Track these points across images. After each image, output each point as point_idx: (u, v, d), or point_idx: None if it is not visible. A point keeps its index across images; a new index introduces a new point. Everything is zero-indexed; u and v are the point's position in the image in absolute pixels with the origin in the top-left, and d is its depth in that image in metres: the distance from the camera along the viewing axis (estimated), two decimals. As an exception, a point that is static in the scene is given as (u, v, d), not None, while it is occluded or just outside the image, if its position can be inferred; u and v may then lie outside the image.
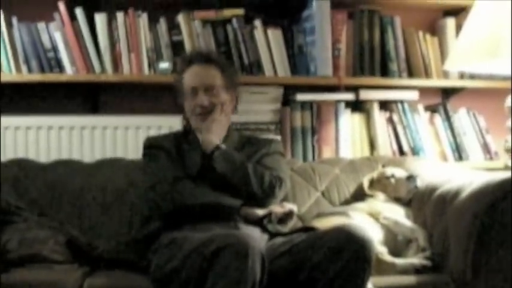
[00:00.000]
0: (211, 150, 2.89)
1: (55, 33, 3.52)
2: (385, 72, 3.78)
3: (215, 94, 2.98)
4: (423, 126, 3.79)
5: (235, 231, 2.46)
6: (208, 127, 2.94)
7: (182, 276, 2.44)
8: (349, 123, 3.74)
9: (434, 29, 3.94)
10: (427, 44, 3.83)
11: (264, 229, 2.82)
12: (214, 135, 2.94)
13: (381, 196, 3.21)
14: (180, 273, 2.46)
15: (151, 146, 3.03)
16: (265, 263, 2.37)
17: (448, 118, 3.83)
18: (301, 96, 3.68)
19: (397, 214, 3.10)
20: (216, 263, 2.31)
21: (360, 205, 3.19)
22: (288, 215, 2.94)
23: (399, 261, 2.84)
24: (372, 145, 3.75)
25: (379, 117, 3.75)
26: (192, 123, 3.05)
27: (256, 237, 2.48)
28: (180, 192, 2.82)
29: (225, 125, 3.04)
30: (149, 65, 3.59)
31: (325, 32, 3.66)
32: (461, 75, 3.83)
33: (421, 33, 3.83)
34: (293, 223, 3.00)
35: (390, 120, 3.77)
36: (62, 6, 3.50)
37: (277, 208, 2.91)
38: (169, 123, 3.51)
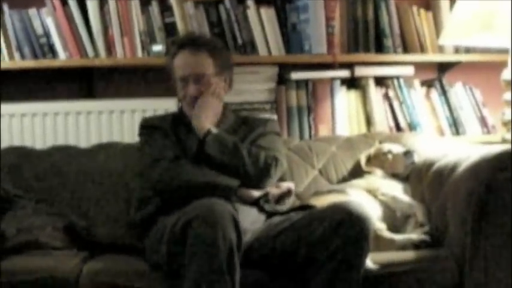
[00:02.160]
0: (204, 135, 2.87)
1: (47, 19, 3.50)
2: (379, 48, 3.77)
3: (205, 82, 2.96)
4: (419, 101, 3.78)
5: (203, 201, 2.44)
6: (198, 112, 2.92)
7: (169, 259, 2.49)
8: (345, 100, 3.73)
9: (429, 4, 3.91)
10: (422, 19, 3.81)
11: (262, 209, 2.82)
12: (204, 119, 2.92)
13: (378, 172, 3.21)
14: (167, 257, 2.50)
15: (148, 126, 3.03)
16: (238, 224, 2.38)
17: (444, 93, 3.82)
18: (296, 75, 3.67)
19: (395, 190, 3.10)
20: (188, 237, 2.34)
21: (357, 182, 3.19)
22: (286, 194, 2.95)
23: (398, 237, 2.84)
24: (369, 122, 3.75)
25: (375, 93, 3.74)
26: (184, 109, 3.04)
27: (223, 202, 2.46)
28: (179, 170, 2.82)
29: (217, 107, 3.01)
30: (142, 48, 3.57)
31: (318, 10, 3.65)
32: (457, 50, 3.81)
33: (415, 8, 3.80)
34: (291, 202, 3.00)
35: (386, 97, 3.76)
36: (53, -9, 3.49)
37: (273, 189, 2.91)
38: (165, 106, 3.50)
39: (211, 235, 2.30)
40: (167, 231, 2.49)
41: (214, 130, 2.90)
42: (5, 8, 3.49)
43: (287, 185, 2.97)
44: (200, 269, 2.31)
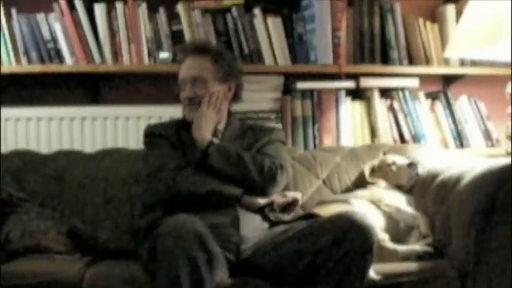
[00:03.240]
0: (205, 147, 2.87)
1: (54, 24, 3.52)
2: (385, 59, 3.78)
3: (202, 86, 2.96)
4: (424, 113, 3.79)
5: (173, 218, 2.44)
6: (198, 123, 2.92)
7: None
8: (350, 111, 3.74)
9: (435, 16, 3.93)
10: (428, 31, 3.82)
11: (265, 217, 2.82)
12: (205, 130, 2.91)
13: (382, 183, 3.21)
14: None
15: (152, 134, 3.03)
16: (204, 240, 2.37)
17: (449, 105, 3.82)
18: (301, 85, 3.68)
19: (399, 201, 3.10)
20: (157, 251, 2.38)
21: (361, 192, 3.19)
22: (292, 203, 2.94)
23: (401, 248, 2.84)
24: (373, 133, 3.75)
25: (380, 104, 3.75)
26: (183, 113, 3.04)
27: (190, 218, 2.45)
28: (181, 180, 2.81)
29: (217, 116, 2.99)
30: (149, 55, 3.58)
31: (325, 20, 3.66)
32: (462, 62, 3.83)
33: (421, 20, 3.82)
34: (295, 211, 3.00)
35: (391, 108, 3.77)
36: (61, -3, 3.50)
37: (279, 198, 2.91)
38: (170, 113, 3.50)
39: (172, 253, 2.31)
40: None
41: (216, 141, 2.90)
42: (13, 12, 3.50)
43: (293, 194, 2.97)
44: (163, 282, 2.33)
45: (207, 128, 2.92)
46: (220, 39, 3.61)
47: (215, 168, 2.83)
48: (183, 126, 3.04)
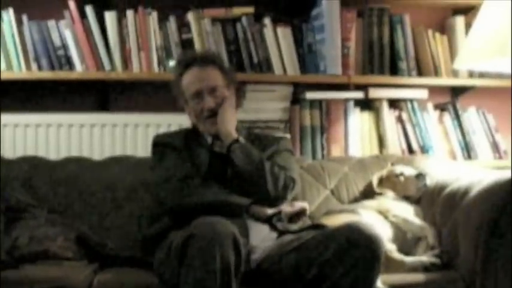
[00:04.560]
0: (230, 143, 2.88)
1: (65, 31, 3.53)
2: (394, 70, 3.79)
3: (219, 95, 2.97)
4: (432, 124, 3.79)
5: (206, 219, 2.43)
6: (222, 118, 2.92)
7: (176, 272, 2.46)
8: (358, 121, 3.74)
9: (444, 28, 3.94)
10: (437, 43, 3.83)
11: (273, 227, 2.82)
12: (230, 126, 2.92)
13: (390, 194, 3.21)
14: (174, 270, 2.47)
15: (160, 143, 3.03)
16: (239, 245, 2.37)
17: (457, 117, 3.83)
18: (310, 95, 3.68)
19: (406, 212, 3.10)
20: (186, 253, 2.35)
21: (369, 203, 3.19)
22: (299, 213, 2.95)
23: (408, 259, 2.84)
24: (381, 143, 3.75)
25: (388, 115, 3.75)
26: (200, 128, 3.02)
27: (224, 221, 2.44)
28: (189, 190, 2.82)
29: (235, 118, 3.01)
30: (159, 63, 3.60)
31: (335, 30, 3.66)
32: (471, 74, 3.83)
33: (430, 32, 3.83)
34: (302, 221, 3.00)
35: (399, 119, 3.77)
36: (72, 4, 3.51)
37: (287, 208, 2.91)
38: (179, 121, 3.51)
39: (208, 255, 2.30)
40: (172, 246, 2.49)
41: (241, 139, 2.91)
42: (24, 19, 3.52)
43: (301, 204, 2.97)
44: (195, 285, 2.32)
45: (232, 124, 2.94)
46: (230, 49, 3.62)
47: (235, 165, 2.83)
48: (192, 136, 3.04)
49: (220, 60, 3.10)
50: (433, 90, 3.86)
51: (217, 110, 2.94)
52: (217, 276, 2.30)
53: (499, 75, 3.73)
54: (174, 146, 2.99)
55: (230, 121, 2.94)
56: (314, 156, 3.66)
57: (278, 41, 3.66)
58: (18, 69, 3.50)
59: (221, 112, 2.93)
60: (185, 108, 3.07)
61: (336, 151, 3.69)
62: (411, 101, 3.79)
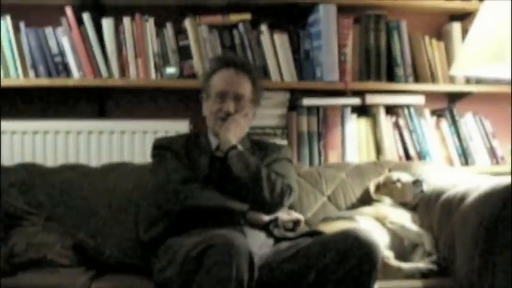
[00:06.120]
0: (227, 150, 2.88)
1: (62, 38, 3.53)
2: (391, 77, 3.79)
3: (242, 104, 2.98)
4: (429, 130, 3.79)
5: (223, 232, 2.43)
6: (227, 126, 2.93)
7: (179, 280, 2.45)
8: (355, 127, 3.74)
9: (441, 34, 3.95)
10: (433, 49, 3.83)
11: (270, 234, 2.82)
12: (232, 135, 2.92)
13: (387, 200, 3.22)
14: (178, 278, 2.47)
15: (161, 146, 3.03)
16: (254, 262, 2.37)
17: (454, 123, 3.83)
18: (307, 101, 3.68)
19: (404, 218, 3.10)
20: (202, 264, 2.33)
21: (366, 209, 3.19)
22: (296, 223, 2.95)
23: (405, 265, 2.84)
24: (378, 150, 3.75)
25: (385, 121, 3.75)
26: (209, 124, 3.03)
27: (242, 237, 2.45)
28: (187, 194, 2.82)
29: (243, 131, 3.02)
30: (156, 70, 3.59)
31: (331, 37, 3.66)
32: (468, 80, 3.83)
33: (427, 38, 3.83)
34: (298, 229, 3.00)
35: (396, 125, 3.77)
36: (69, 11, 3.51)
37: (284, 215, 2.92)
38: (176, 128, 3.52)
39: (225, 268, 2.29)
40: (182, 253, 2.47)
41: (239, 147, 2.91)
42: (22, 26, 3.52)
43: (297, 215, 2.99)
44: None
45: (235, 133, 2.94)
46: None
47: (231, 172, 2.84)
48: (192, 140, 3.05)
49: (257, 75, 3.12)
50: (430, 96, 3.86)
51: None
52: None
53: (496, 81, 3.73)
54: (174, 149, 2.99)
55: (235, 132, 2.94)
56: (311, 163, 3.66)
57: (275, 47, 3.66)
58: (15, 76, 3.50)
59: (231, 120, 2.94)
60: (203, 101, 3.09)
61: (333, 157, 3.69)
62: (408, 107, 3.79)
